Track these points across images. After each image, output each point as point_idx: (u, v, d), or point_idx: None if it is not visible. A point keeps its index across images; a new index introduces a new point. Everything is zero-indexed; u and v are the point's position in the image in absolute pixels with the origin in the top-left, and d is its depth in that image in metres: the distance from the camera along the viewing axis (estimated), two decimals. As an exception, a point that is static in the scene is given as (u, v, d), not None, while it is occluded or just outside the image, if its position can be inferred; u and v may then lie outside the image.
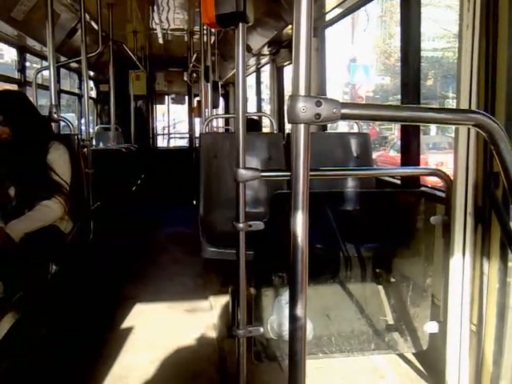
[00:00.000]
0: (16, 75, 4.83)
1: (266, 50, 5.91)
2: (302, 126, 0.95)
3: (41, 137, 2.71)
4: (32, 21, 4.23)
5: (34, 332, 2.31)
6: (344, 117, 0.96)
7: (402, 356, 2.54)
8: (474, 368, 2.00)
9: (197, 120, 9.05)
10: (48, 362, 2.30)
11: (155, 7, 5.76)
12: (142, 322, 3.00)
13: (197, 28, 6.78)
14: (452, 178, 2.02)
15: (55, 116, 3.32)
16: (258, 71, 7.25)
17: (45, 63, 5.15)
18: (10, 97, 2.84)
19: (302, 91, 0.95)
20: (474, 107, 1.85)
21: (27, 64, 5.07)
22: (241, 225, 1.88)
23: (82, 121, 7.08)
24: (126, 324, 2.97)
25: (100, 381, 2.33)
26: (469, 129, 1.85)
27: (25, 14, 4.11)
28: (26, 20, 4.17)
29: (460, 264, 1.99)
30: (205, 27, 4.80)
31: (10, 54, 6.63)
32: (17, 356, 2.15)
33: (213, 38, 5.62)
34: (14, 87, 4.74)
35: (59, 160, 2.70)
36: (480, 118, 1.04)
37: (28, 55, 5.06)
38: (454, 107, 2.26)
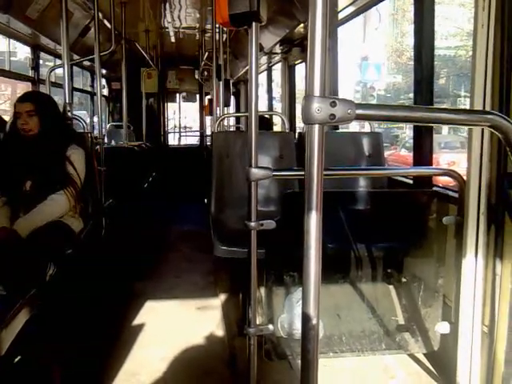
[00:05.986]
0: (29, 73, 4.87)
1: (277, 49, 5.91)
2: (316, 127, 0.95)
3: (62, 136, 2.78)
4: (46, 19, 4.26)
5: (46, 329, 2.32)
6: (359, 117, 0.96)
7: (412, 356, 2.53)
8: (486, 369, 1.99)
9: (207, 118, 9.09)
10: (61, 358, 2.32)
11: (167, 5, 5.78)
12: (153, 319, 3.02)
13: (209, 26, 6.79)
14: (465, 178, 2.01)
15: (69, 114, 3.35)
16: (269, 69, 7.24)
17: (57, 61, 5.20)
18: (38, 93, 3.40)
19: (316, 92, 0.95)
20: (488, 108, 1.83)
21: (40, 62, 5.11)
22: (252, 224, 1.89)
23: (94, 119, 7.17)
24: (137, 321, 2.99)
25: (113, 376, 2.35)
26: (483, 129, 1.83)
27: (39, 12, 4.15)
28: (40, 19, 4.21)
29: (472, 265, 1.98)
30: (217, 25, 4.81)
31: (22, 51, 6.69)
32: (29, 354, 2.16)
33: (225, 36, 5.62)
34: (28, 85, 4.80)
35: (74, 156, 2.76)
36: (495, 119, 1.04)
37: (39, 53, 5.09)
38: (467, 106, 2.24)
